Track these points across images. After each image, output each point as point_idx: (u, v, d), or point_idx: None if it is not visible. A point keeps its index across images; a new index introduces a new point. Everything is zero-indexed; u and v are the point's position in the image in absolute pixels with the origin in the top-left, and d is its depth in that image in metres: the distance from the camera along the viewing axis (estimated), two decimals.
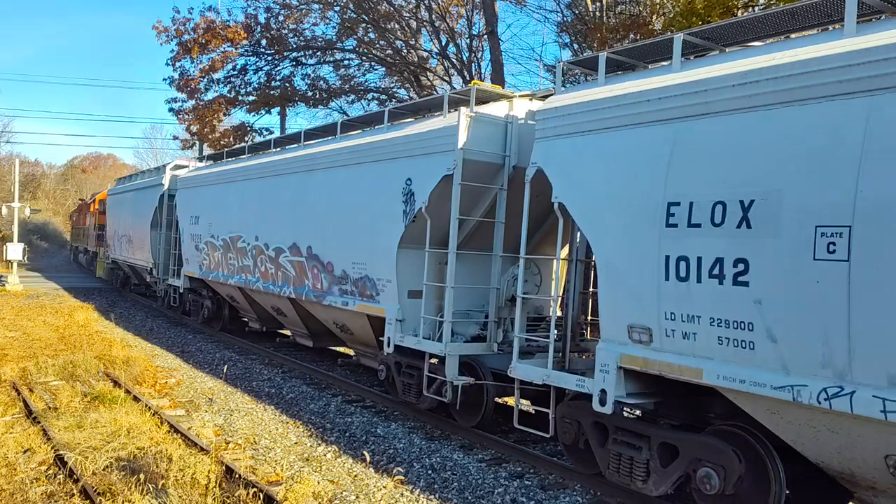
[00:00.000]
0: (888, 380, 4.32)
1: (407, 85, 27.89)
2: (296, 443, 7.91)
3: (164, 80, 30.18)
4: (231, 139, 29.56)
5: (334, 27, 28.12)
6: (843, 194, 4.50)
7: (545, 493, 6.53)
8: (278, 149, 12.74)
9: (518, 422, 7.25)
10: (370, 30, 26.97)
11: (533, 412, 8.06)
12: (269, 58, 28.86)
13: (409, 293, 8.62)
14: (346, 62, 29.60)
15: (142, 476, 5.89)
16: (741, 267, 5.04)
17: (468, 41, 24.96)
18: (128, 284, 25.02)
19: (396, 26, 26.56)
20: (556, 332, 6.76)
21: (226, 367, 11.46)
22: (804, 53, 4.88)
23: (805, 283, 4.66)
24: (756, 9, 13.83)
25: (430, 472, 7.08)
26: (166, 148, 67.12)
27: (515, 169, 7.92)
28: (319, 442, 7.94)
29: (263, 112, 30.11)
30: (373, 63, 28.56)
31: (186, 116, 29.64)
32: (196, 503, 5.48)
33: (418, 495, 6.39)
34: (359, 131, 10.45)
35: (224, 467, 6.26)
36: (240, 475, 6.13)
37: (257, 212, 12.31)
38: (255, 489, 5.73)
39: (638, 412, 6.77)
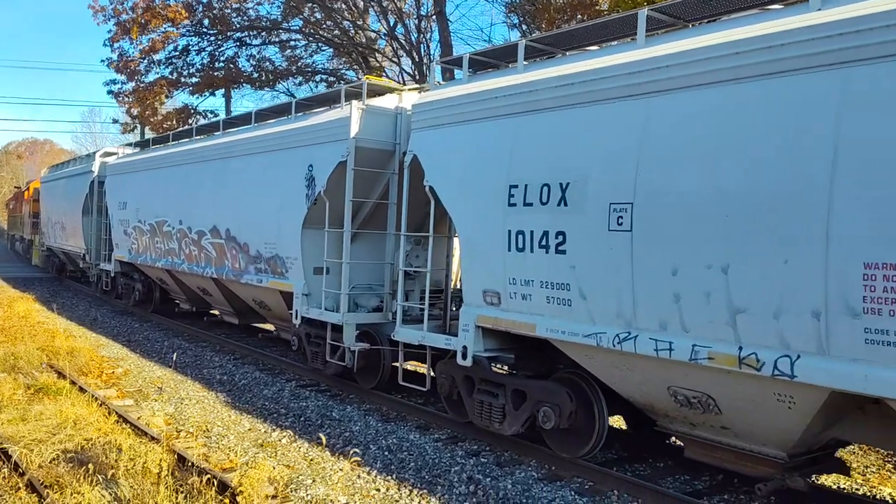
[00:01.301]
0: (659, 324, 5.42)
1: (356, 66, 27.63)
2: (249, 429, 7.86)
3: (102, 61, 29.36)
4: (174, 122, 29.12)
5: (279, 7, 27.58)
6: (627, 180, 5.55)
7: (501, 470, 6.67)
8: (201, 136, 13.37)
9: (402, 379, 8.25)
10: (316, 9, 26.54)
11: (426, 373, 9.04)
12: (212, 38, 28.31)
13: (313, 269, 9.49)
14: (292, 43, 29.14)
15: (90, 467, 5.74)
16: (561, 238, 6.08)
17: (416, 22, 24.90)
18: (64, 271, 25.19)
19: (343, 6, 26.26)
20: (430, 299, 7.74)
21: (175, 354, 11.21)
22: (604, 62, 5.90)
23: (603, 250, 5.72)
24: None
25: (386, 453, 7.12)
26: (106, 132, 65.84)
27: (406, 155, 8.82)
28: (274, 427, 7.91)
29: (207, 94, 29.54)
30: (320, 44, 28.29)
31: (127, 99, 29.13)
32: (148, 492, 5.39)
33: (375, 476, 6.44)
34: (273, 120, 11.19)
35: (176, 456, 6.18)
36: (192, 463, 6.07)
37: (181, 197, 12.97)
38: (208, 476, 5.67)
39: (505, 366, 7.82)
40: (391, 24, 25.57)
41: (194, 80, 28.58)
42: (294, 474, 6.36)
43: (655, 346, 5.42)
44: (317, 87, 28.87)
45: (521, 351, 7.20)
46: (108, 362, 11.44)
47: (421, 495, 6.04)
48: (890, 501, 6.17)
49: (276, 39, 28.88)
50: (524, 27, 21.91)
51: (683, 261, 5.20)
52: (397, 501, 5.94)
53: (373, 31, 26.80)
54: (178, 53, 28.35)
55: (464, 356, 7.06)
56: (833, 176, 4.40)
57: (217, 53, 28.86)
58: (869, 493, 6.31)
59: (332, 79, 28.70)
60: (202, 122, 27.80)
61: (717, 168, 5.02)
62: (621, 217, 5.59)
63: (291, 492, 5.95)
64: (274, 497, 5.73)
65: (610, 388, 6.34)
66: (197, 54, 28.66)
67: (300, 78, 29.40)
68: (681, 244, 5.21)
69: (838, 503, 6.11)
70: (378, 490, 6.16)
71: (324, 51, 28.98)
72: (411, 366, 9.64)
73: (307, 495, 5.89)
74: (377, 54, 26.53)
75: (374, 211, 9.29)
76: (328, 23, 26.88)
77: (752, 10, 5.52)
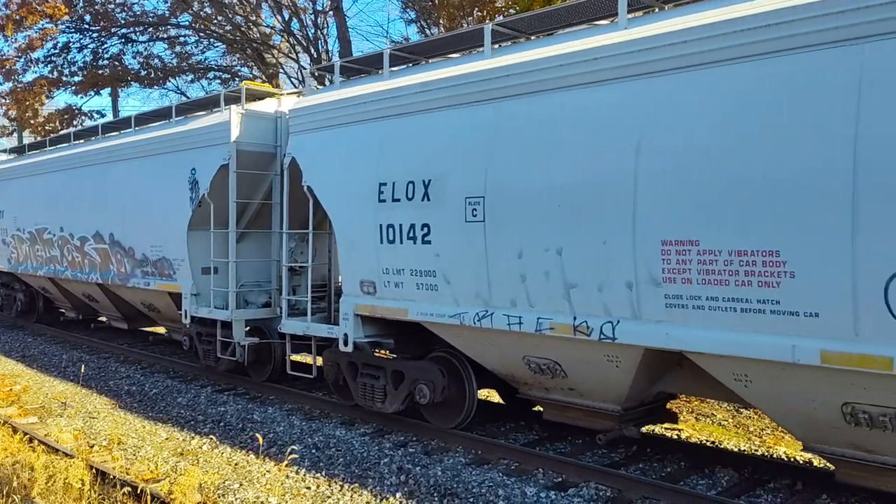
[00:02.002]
0: (510, 302, 6.18)
1: (251, 63, 26.95)
2: (167, 438, 7.68)
3: None
4: (57, 124, 27.73)
5: (166, 1, 26.87)
6: (479, 176, 6.27)
7: (429, 458, 6.78)
8: (80, 141, 13.15)
9: (291, 369, 8.70)
10: (206, 4, 25.68)
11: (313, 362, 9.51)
12: (95, 35, 26.81)
13: (201, 270, 9.72)
14: (182, 39, 28.07)
15: (4, 489, 5.54)
16: (426, 230, 6.73)
17: (313, 17, 24.34)
18: None
19: (235, 1, 25.48)
20: (313, 293, 8.23)
21: (77, 367, 10.75)
22: (458, 70, 6.59)
23: (462, 239, 6.42)
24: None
25: (313, 451, 7.08)
26: None
27: (285, 157, 9.22)
28: (193, 435, 7.73)
29: (92, 94, 28.03)
30: (212, 40, 27.25)
31: (3, 101, 27.55)
32: None
33: (304, 475, 6.39)
34: (153, 124, 11.24)
35: (95, 471, 6.04)
36: (114, 476, 5.96)
37: (61, 203, 12.74)
38: (128, 487, 5.61)
39: (387, 351, 8.42)
40: (286, 19, 24.99)
41: (77, 79, 27.14)
42: (220, 479, 6.22)
43: (508, 322, 6.18)
44: (210, 84, 28.02)
45: (401, 335, 7.80)
46: (5, 379, 10.82)
47: (353, 489, 6.08)
48: (785, 459, 6.76)
49: (165, 35, 27.80)
50: (421, 23, 22.18)
51: (527, 245, 5.97)
52: (329, 497, 5.91)
53: (267, 26, 26.20)
54: (58, 51, 26.84)
55: (345, 343, 7.61)
56: (636, 170, 5.27)
57: (101, 51, 27.40)
58: (766, 453, 6.95)
59: (226, 76, 27.92)
60: (88, 123, 26.63)
61: (549, 164, 5.80)
62: (475, 209, 6.31)
63: (220, 497, 5.85)
64: None
65: (478, 364, 7.07)
66: (79, 52, 27.16)
67: (192, 75, 28.44)
68: (524, 231, 5.98)
69: (741, 462, 6.56)
70: (308, 488, 6.13)
71: (216, 47, 28.07)
72: (308, 359, 10.02)
73: (236, 499, 5.82)
74: (273, 50, 26.01)
75: (260, 211, 9.63)
76: (219, 18, 25.96)
77: (583, 26, 6.36)
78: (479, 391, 7.33)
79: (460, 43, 7.07)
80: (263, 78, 24.46)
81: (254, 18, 25.98)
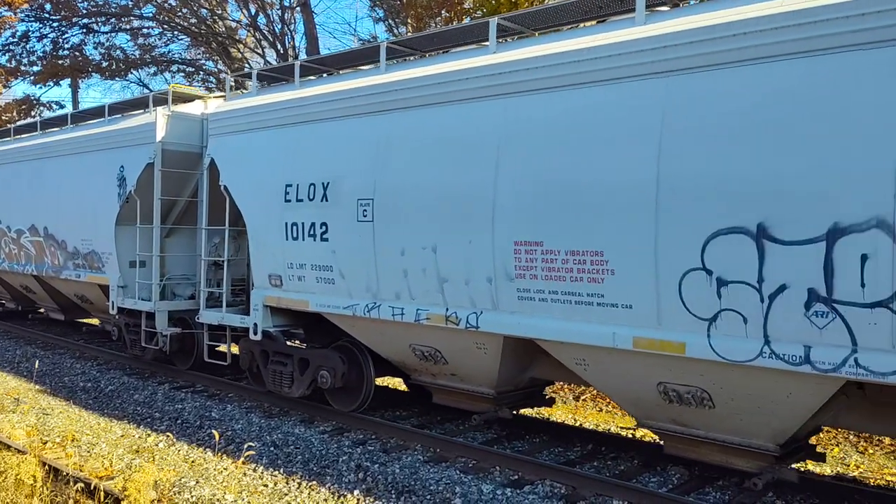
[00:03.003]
0: (395, 295, 6.85)
1: (216, 57, 26.91)
2: (122, 435, 7.59)
3: None
4: (14, 114, 27.41)
5: None
6: (369, 180, 6.93)
7: (388, 456, 6.84)
8: (20, 136, 13.47)
9: (208, 357, 9.26)
10: None
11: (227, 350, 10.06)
12: (56, 24, 26.51)
13: (129, 263, 10.21)
14: (145, 30, 27.74)
15: None
16: (324, 228, 7.36)
17: (280, 12, 24.36)
18: None
19: None
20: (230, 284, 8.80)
21: (31, 363, 10.57)
22: (357, 83, 7.22)
23: (354, 237, 7.06)
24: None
25: (272, 448, 7.09)
26: None
27: (206, 158, 9.77)
28: (149, 432, 7.66)
29: (52, 84, 27.58)
30: (176, 33, 26.94)
31: None
32: None
33: (262, 472, 6.40)
34: (88, 122, 11.66)
35: (47, 467, 5.98)
36: (67, 473, 5.90)
37: (0, 197, 13.06)
38: (82, 484, 5.57)
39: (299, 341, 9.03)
40: (252, 13, 24.90)
41: (36, 68, 26.69)
42: (176, 477, 6.16)
43: (392, 313, 6.85)
44: (173, 77, 27.60)
45: (310, 325, 8.42)
46: None
47: (311, 486, 6.10)
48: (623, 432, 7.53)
49: (128, 27, 27.31)
50: (389, 22, 22.42)
51: (408, 244, 6.64)
52: (287, 494, 5.91)
53: (233, 20, 26.11)
54: (16, 40, 26.47)
55: (255, 332, 8.20)
56: (496, 180, 5.98)
57: (61, 40, 26.91)
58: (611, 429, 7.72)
59: (190, 69, 27.62)
60: (47, 113, 26.39)
61: (427, 173, 6.49)
62: (366, 210, 6.96)
63: (176, 494, 5.81)
64: (159, 501, 5.59)
65: (376, 353, 7.72)
66: (38, 41, 26.75)
67: (155, 68, 27.94)
68: (406, 231, 6.65)
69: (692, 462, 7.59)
70: (266, 486, 6.13)
71: (180, 40, 27.67)
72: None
73: (192, 497, 5.78)
74: (239, 45, 25.81)
75: (187, 208, 10.14)
76: (184, 10, 25.68)
77: (466, 47, 7.06)
78: (381, 378, 7.99)
79: (362, 58, 7.72)
80: (228, 72, 24.40)
81: (220, 12, 25.80)
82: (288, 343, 8.63)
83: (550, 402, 7.80)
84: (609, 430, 7.88)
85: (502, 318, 6.08)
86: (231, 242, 10.37)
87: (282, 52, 23.94)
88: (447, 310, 6.45)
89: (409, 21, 18.67)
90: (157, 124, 9.42)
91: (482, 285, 6.15)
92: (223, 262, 9.52)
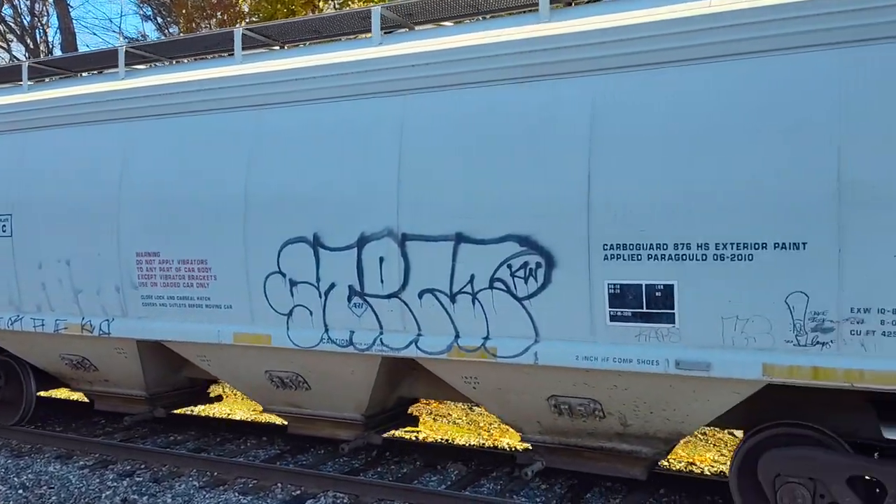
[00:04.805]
0: (36, 307, 7.05)
1: None
2: None
3: None
4: None
5: None
6: (7, 195, 7.07)
7: (159, 486, 6.44)
8: None
9: None
10: None
11: None
12: None
13: None
14: None
15: None
16: None
17: (30, 4, 22.44)
18: None
19: None
20: None
21: None
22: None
23: None
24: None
25: (20, 491, 6.50)
26: None
27: None
28: None
29: None
30: None
31: None
32: None
33: None
34: None
35: None
36: None
37: None
38: None
39: None
40: None
41: None
42: None
43: (34, 324, 7.06)
44: None
45: None
46: None
47: None
48: (507, 449, 7.47)
49: None
50: (159, 20, 21.58)
51: (45, 258, 6.91)
52: None
53: None
54: None
55: None
56: (119, 197, 6.50)
57: None
58: (492, 445, 7.69)
59: None
60: None
61: (60, 185, 6.82)
62: (5, 226, 7.10)
63: None
64: None
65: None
66: None
67: None
68: (42, 245, 6.91)
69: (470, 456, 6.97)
70: None
71: None
72: None
73: None
74: None
75: None
76: None
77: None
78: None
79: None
80: None
81: None
82: None
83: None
84: (393, 434, 7.75)
85: (131, 324, 6.61)
86: None
87: (32, 46, 22.02)
88: (83, 318, 6.82)
89: (180, 22, 17.89)
90: None
91: (112, 294, 6.62)
92: None
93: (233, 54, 6.38)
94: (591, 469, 5.52)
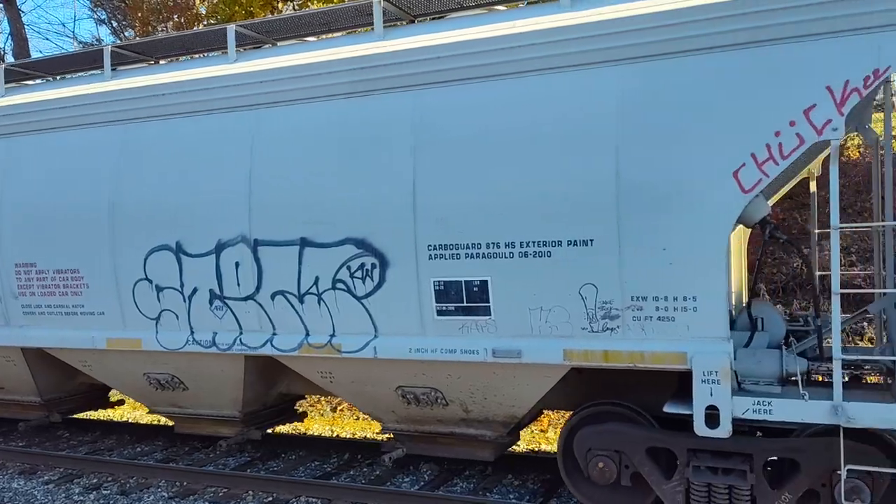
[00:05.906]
0: None
1: None
2: None
3: None
4: None
5: None
6: None
7: (127, 498, 6.31)
8: None
9: None
10: None
11: None
12: None
13: None
14: None
15: None
16: None
17: None
18: None
19: None
20: None
21: None
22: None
23: None
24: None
25: None
26: None
27: None
28: None
29: None
30: None
31: None
32: None
33: None
34: None
35: None
36: None
37: None
38: None
39: None
40: None
41: None
42: None
43: None
44: None
45: None
46: None
47: None
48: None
49: None
50: (114, 24, 21.49)
51: None
52: None
53: None
54: None
55: None
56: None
57: None
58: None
59: None
60: None
61: None
62: None
63: None
64: None
65: None
66: None
67: None
68: None
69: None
70: None
71: None
72: None
73: None
74: None
75: None
76: None
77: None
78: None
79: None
80: None
81: None
82: None
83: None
84: (365, 437, 7.88)
85: (14, 332, 6.86)
86: None
87: None
88: None
89: (136, 26, 17.77)
90: None
91: None
92: None
93: (103, 70, 6.65)
94: (447, 453, 5.94)
